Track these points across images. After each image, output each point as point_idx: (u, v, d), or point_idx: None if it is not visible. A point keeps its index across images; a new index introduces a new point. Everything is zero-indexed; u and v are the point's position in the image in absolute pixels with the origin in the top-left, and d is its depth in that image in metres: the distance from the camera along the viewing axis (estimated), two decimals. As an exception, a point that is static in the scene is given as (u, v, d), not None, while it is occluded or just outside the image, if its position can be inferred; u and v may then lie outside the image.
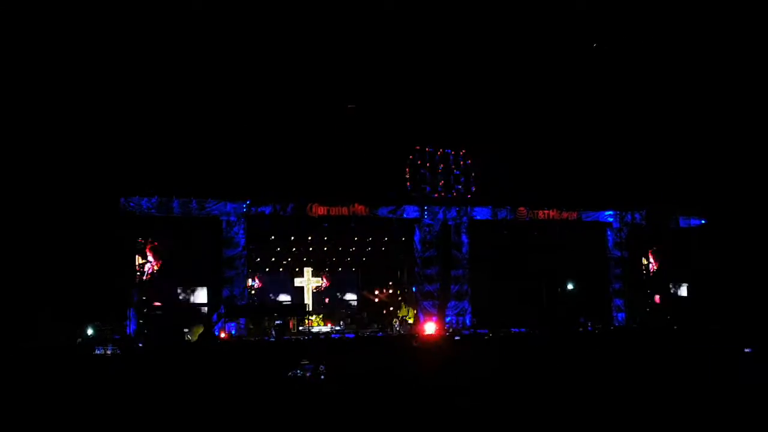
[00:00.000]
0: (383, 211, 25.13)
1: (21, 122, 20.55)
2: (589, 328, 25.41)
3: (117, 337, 20.43)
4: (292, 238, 25.93)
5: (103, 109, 21.27)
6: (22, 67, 20.50)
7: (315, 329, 24.77)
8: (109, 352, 16.60)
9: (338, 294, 28.09)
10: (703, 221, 28.72)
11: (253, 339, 22.36)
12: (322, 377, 14.13)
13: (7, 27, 20.20)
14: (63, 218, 20.30)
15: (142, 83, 21.62)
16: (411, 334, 23.60)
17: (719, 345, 18.72)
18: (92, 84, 21.17)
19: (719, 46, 25.06)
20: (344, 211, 24.41)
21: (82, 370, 13.40)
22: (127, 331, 21.70)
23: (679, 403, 11.19)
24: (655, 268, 28.27)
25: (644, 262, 28.24)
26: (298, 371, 14.27)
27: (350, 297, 28.49)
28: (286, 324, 23.82)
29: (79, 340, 20.29)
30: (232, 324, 22.58)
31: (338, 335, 23.63)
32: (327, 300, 27.51)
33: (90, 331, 20.69)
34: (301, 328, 24.57)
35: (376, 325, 25.80)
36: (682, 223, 28.64)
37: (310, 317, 25.33)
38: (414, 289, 26.18)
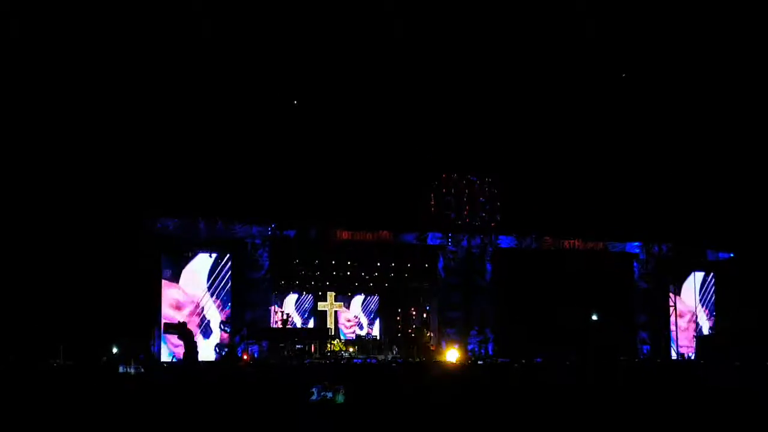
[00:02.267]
0: (407, 237, 25.13)
1: (50, 144, 20.94)
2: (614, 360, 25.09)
3: (142, 356, 20.58)
4: (316, 261, 26.04)
5: (131, 132, 21.62)
6: (48, 92, 20.92)
7: (338, 353, 24.80)
8: (132, 371, 16.70)
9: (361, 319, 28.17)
10: (731, 255, 28.41)
11: (274, 362, 22.42)
12: (341, 401, 14.07)
13: (40, 49, 20.66)
14: (90, 238, 20.61)
15: (170, 107, 21.96)
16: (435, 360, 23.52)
17: (744, 379, 18.42)
18: (120, 108, 21.55)
19: (748, 78, 24.95)
20: (368, 236, 24.45)
21: (104, 389, 13.51)
22: (153, 349, 21.90)
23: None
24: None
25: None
26: (317, 394, 14.25)
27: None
28: (306, 349, 23.82)
29: (105, 358, 20.48)
30: (255, 346, 22.68)
31: (360, 360, 23.60)
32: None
33: (115, 350, 20.88)
34: (325, 352, 24.60)
35: (397, 351, 25.77)
36: (710, 256, 28.36)
37: (332, 341, 25.36)
38: (436, 315, 26.13)
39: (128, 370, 16.82)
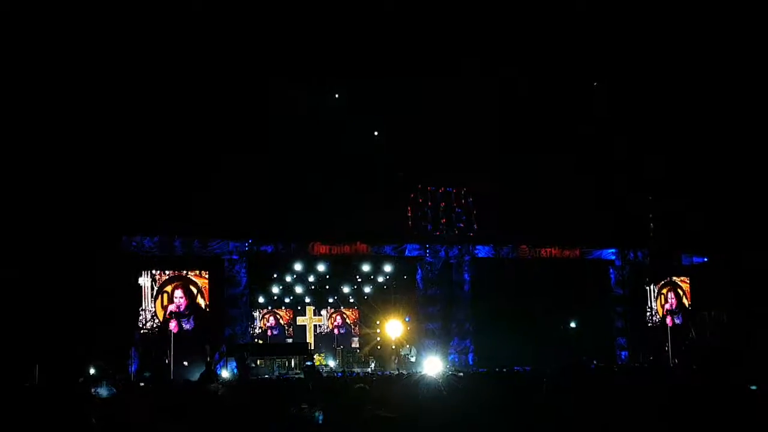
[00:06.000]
0: (385, 250, 25.21)
1: (25, 160, 20.78)
2: (592, 366, 25.21)
3: (118, 377, 20.39)
4: (294, 276, 26.02)
5: (105, 149, 21.50)
6: (24, 105, 20.78)
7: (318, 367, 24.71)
8: (105, 392, 16.47)
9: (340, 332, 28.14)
10: (705, 259, 28.67)
11: (255, 377, 22.33)
12: (320, 421, 14.00)
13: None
14: (64, 256, 20.45)
15: (142, 124, 21.89)
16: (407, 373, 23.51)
17: (723, 383, 18.48)
18: (92, 125, 21.43)
19: (730, 88, 25.20)
20: (346, 249, 24.50)
21: (75, 412, 13.34)
22: (130, 370, 21.73)
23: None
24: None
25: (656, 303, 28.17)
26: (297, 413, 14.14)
27: (352, 335, 28.52)
28: (286, 364, 23.76)
29: (81, 379, 20.25)
30: (234, 363, 22.58)
31: (341, 374, 23.57)
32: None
33: (92, 371, 20.66)
34: (308, 363, 24.49)
35: (377, 363, 25.78)
36: (685, 261, 28.61)
37: (312, 355, 25.31)
38: (416, 327, 26.16)
39: (100, 391, 16.58)
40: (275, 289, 26.69)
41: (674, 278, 28.79)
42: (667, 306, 28.49)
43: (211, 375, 21.38)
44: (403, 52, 23.52)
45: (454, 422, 13.16)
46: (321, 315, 27.96)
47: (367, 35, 23.18)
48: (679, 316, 28.56)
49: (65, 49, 20.87)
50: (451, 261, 25.93)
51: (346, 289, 27.70)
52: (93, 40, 21.07)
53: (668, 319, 28.26)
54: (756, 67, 24.40)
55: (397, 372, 23.70)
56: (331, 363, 25.77)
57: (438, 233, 25.61)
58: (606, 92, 26.07)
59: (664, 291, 28.58)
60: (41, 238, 20.58)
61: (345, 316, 29.66)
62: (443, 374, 22.75)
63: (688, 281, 28.85)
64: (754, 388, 16.82)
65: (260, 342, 26.33)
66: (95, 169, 21.49)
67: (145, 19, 21.35)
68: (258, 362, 23.49)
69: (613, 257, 27.80)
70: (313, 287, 26.93)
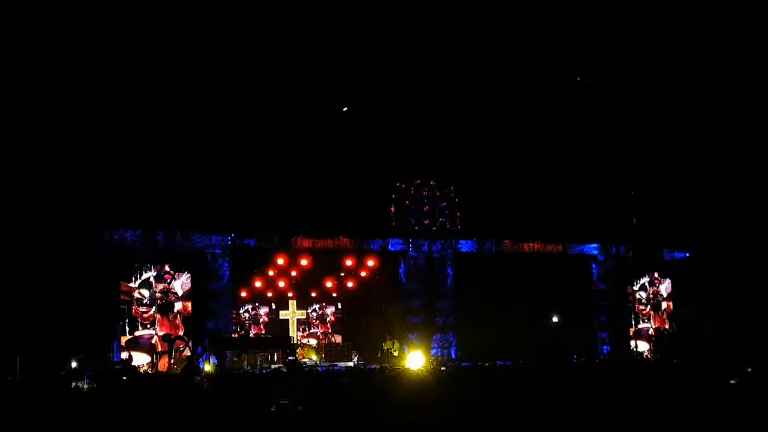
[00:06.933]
0: (368, 244, 25.24)
1: (14, 157, 20.65)
2: (573, 361, 25.37)
3: (100, 369, 20.33)
4: (277, 270, 25.96)
5: (88, 142, 21.39)
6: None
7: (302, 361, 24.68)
8: (85, 385, 16.43)
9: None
10: (686, 254, 28.87)
11: (236, 372, 22.29)
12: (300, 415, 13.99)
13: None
14: (46, 251, 20.34)
15: (123, 117, 21.79)
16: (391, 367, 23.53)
17: (704, 377, 18.65)
18: (73, 119, 21.31)
19: (710, 83, 25.33)
20: (329, 243, 24.53)
21: (54, 405, 13.32)
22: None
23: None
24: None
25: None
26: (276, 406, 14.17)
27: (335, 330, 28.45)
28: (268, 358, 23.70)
29: (63, 372, 20.17)
30: (215, 357, 22.55)
31: (324, 368, 23.55)
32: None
33: (74, 364, 20.58)
34: (291, 358, 24.44)
35: (359, 358, 25.73)
36: (666, 256, 28.80)
37: (295, 349, 25.25)
38: (399, 321, 26.18)
39: (81, 385, 16.54)
40: (258, 283, 26.58)
41: (656, 273, 28.98)
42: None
43: (194, 368, 21.40)
44: (387, 49, 23.54)
45: (434, 415, 13.24)
46: (304, 309, 27.86)
47: (356, 33, 23.17)
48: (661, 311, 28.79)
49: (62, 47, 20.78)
50: (434, 255, 25.99)
51: (328, 284, 27.64)
52: (91, 37, 20.99)
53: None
54: (740, 63, 24.59)
55: (379, 366, 23.71)
56: (314, 357, 25.73)
57: (418, 228, 25.64)
58: (589, 88, 26.18)
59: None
60: (22, 232, 20.46)
61: (328, 310, 29.57)
62: (426, 368, 22.83)
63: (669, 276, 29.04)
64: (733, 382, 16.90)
65: (242, 336, 26.20)
66: (80, 162, 21.39)
67: (143, 18, 21.27)
68: (240, 356, 23.41)
69: (596, 252, 27.96)
70: (295, 281, 26.86)
